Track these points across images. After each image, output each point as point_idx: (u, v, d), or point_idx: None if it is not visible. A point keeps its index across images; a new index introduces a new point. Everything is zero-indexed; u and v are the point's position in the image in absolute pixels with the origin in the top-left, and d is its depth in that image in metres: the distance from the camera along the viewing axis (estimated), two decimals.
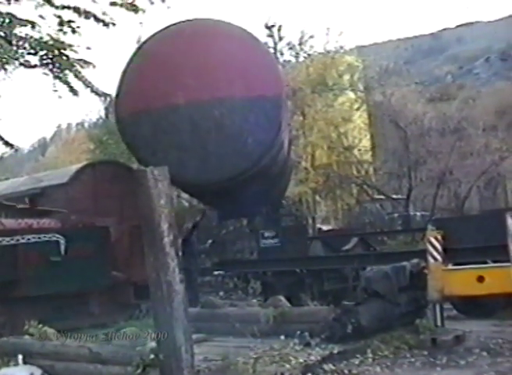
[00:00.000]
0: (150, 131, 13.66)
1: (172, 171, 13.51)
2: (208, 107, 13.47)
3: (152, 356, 8.17)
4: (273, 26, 27.32)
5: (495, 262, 11.07)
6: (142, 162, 12.84)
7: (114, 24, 12.47)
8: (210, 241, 20.78)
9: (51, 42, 12.20)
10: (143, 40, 14.70)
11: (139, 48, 14.28)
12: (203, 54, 13.72)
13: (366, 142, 31.15)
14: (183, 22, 14.33)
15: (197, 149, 13.45)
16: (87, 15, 12.22)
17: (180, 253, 7.53)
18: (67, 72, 12.41)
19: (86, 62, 12.51)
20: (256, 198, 16.95)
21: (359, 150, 29.88)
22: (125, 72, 14.32)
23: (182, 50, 13.74)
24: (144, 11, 12.43)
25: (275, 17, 42.33)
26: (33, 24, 12.03)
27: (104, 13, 12.37)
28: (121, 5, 12.33)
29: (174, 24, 14.37)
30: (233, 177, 13.91)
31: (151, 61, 13.97)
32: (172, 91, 13.53)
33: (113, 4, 12.34)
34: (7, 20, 11.66)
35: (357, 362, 9.58)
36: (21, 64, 12.09)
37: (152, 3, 12.38)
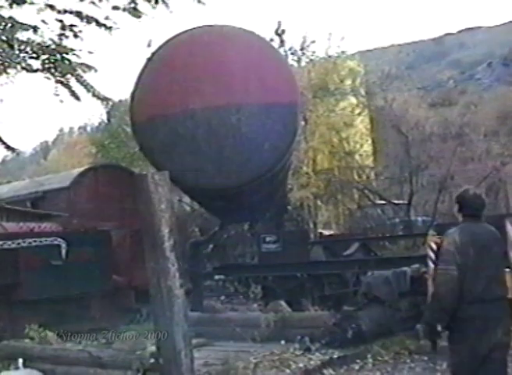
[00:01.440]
0: (166, 136, 13.70)
1: (188, 176, 13.63)
2: (225, 113, 13.51)
3: (152, 360, 8.17)
4: (283, 32, 27.24)
5: None
6: (158, 167, 12.86)
7: (116, 29, 12.49)
8: (211, 246, 20.81)
9: (53, 46, 12.22)
10: (153, 44, 14.68)
11: (155, 53, 14.29)
12: (220, 60, 13.76)
13: (367, 147, 31.13)
14: (199, 27, 14.36)
15: (213, 154, 13.50)
16: (89, 19, 12.24)
17: (187, 256, 7.59)
18: (69, 76, 12.43)
19: (88, 66, 12.52)
20: (262, 203, 16.99)
21: (360, 155, 29.86)
22: (140, 76, 14.35)
23: (199, 56, 13.78)
24: (146, 15, 12.46)
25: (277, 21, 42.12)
26: (35, 28, 12.05)
27: (106, 18, 12.40)
28: (123, 10, 12.35)
29: (190, 30, 14.39)
30: (249, 182, 13.97)
31: (168, 66, 14.00)
32: (189, 96, 13.56)
33: (115, 8, 12.35)
34: (9, 25, 11.68)
35: (357, 367, 9.60)
36: (23, 68, 12.10)
37: (154, 8, 12.39)
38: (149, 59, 14.31)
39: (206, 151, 13.50)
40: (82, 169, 18.09)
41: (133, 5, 12.29)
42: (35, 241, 13.37)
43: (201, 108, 13.46)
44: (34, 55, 12.15)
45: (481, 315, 5.50)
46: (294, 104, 14.29)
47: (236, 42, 14.32)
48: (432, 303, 5.80)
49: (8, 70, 11.98)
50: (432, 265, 11.31)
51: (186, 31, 14.43)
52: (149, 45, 14.12)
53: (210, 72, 13.62)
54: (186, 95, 13.59)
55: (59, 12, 12.28)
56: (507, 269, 6.07)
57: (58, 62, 12.27)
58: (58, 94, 12.59)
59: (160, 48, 14.38)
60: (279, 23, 27.26)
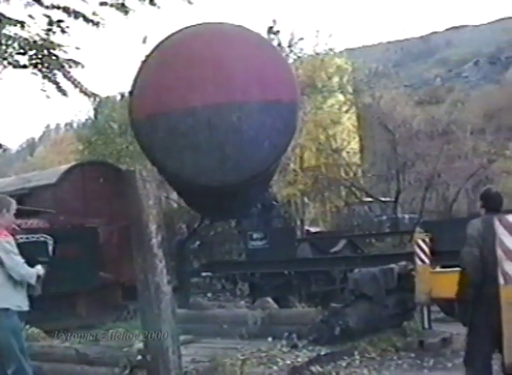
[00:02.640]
0: (166, 133, 13.64)
1: (188, 173, 13.60)
2: (226, 111, 13.49)
3: (139, 357, 8.17)
4: (278, 31, 27.19)
5: None
6: (157, 165, 12.84)
7: (104, 25, 12.43)
8: (198, 242, 20.79)
9: (40, 42, 12.16)
10: (148, 41, 14.59)
11: (154, 50, 14.21)
12: (220, 57, 13.72)
13: (355, 144, 31.17)
14: (199, 25, 14.31)
15: (213, 152, 13.48)
16: (77, 15, 12.18)
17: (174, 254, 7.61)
18: (56, 72, 12.37)
19: (75, 62, 12.46)
20: (254, 200, 17.01)
21: (347, 152, 29.88)
22: (139, 73, 14.27)
23: (199, 53, 13.72)
24: (134, 11, 12.40)
25: (266, 19, 42.15)
26: (22, 24, 11.98)
27: (94, 13, 12.33)
28: (111, 5, 12.29)
29: (189, 27, 14.34)
30: (249, 180, 13.98)
31: (168, 63, 13.93)
32: (190, 93, 13.52)
33: (103, 4, 12.30)
34: None
35: (344, 364, 9.60)
36: (10, 64, 12.04)
37: (142, 3, 12.34)
38: (148, 56, 14.23)
39: (206, 148, 13.48)
40: (68, 165, 17.98)
41: (120, 1, 12.25)
42: (21, 238, 13.30)
43: (202, 106, 13.44)
44: (21, 51, 12.08)
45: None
46: (294, 102, 14.32)
47: (236, 40, 14.30)
48: (462, 280, 6.84)
49: None
50: (419, 262, 11.43)
51: (186, 28, 14.37)
52: (144, 42, 14.06)
53: (210, 69, 13.60)
54: (187, 93, 13.56)
55: (47, 7, 12.22)
56: None
57: (45, 58, 12.20)
58: (45, 90, 12.53)
59: (159, 45, 14.31)
60: (274, 22, 27.20)
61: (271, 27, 26.76)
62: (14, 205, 7.77)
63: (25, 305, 7.60)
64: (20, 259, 7.44)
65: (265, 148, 13.58)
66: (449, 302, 12.75)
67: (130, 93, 14.53)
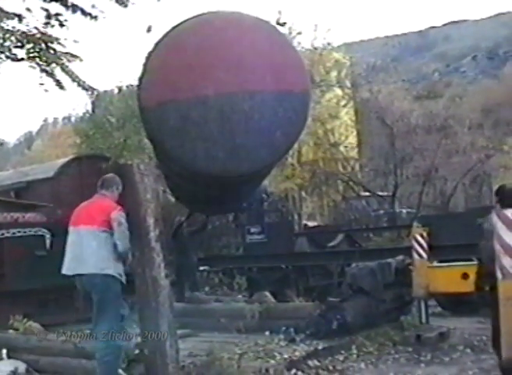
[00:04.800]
0: (177, 122, 13.48)
1: (199, 163, 13.53)
2: (238, 100, 13.35)
3: (137, 351, 8.17)
4: (285, 23, 27.05)
5: (479, 259, 11.13)
6: (167, 154, 12.74)
7: (103, 18, 12.41)
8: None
9: (38, 35, 12.13)
10: (153, 28, 14.46)
11: (164, 37, 14.09)
12: (232, 46, 13.53)
13: (352, 139, 31.18)
14: (209, 13, 14.19)
15: (225, 141, 13.39)
16: (74, 8, 12.15)
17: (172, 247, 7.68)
18: (54, 65, 12.35)
19: (73, 55, 12.44)
20: (253, 192, 16.98)
21: (345, 147, 29.89)
22: (148, 60, 14.14)
23: (211, 41, 13.55)
24: (133, 4, 12.39)
25: (265, 13, 42.05)
26: (20, 17, 11.96)
27: (93, 6, 12.30)
28: None
29: (199, 15, 14.21)
30: (261, 169, 13.95)
31: (179, 50, 13.72)
32: (202, 81, 13.33)
33: None
34: None
35: (341, 358, 9.59)
36: (7, 57, 12.02)
37: None
38: (157, 43, 14.12)
39: (218, 138, 13.39)
40: (66, 159, 17.94)
41: None
42: (19, 232, 13.30)
43: (214, 94, 13.32)
44: (19, 44, 12.06)
45: None
46: (306, 93, 14.26)
47: (249, 29, 14.15)
48: (480, 272, 7.37)
49: None
50: (417, 257, 11.44)
51: (196, 16, 14.20)
52: (149, 30, 13.91)
53: (222, 57, 13.44)
54: (198, 80, 13.42)
55: (45, 0, 12.20)
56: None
57: (43, 52, 12.19)
58: (42, 84, 12.52)
59: (169, 32, 14.16)
60: (280, 13, 27.06)
61: (284, 23, 26.55)
62: (121, 186, 8.26)
63: (123, 278, 7.76)
64: (128, 234, 7.68)
65: (277, 138, 13.52)
66: (446, 297, 12.84)
67: (139, 80, 14.40)
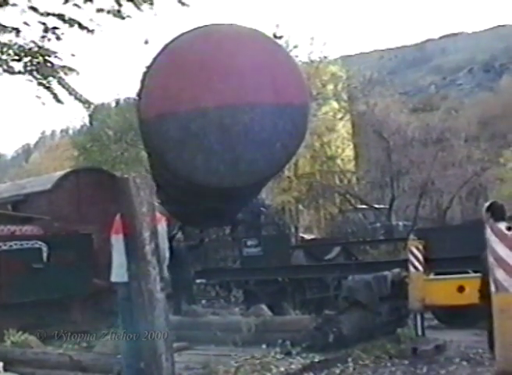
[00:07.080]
0: (177, 134, 13.49)
1: (199, 175, 13.53)
2: (238, 112, 13.37)
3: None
4: (282, 36, 27.21)
5: (475, 272, 11.13)
6: (167, 166, 12.73)
7: (100, 31, 12.44)
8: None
9: (35, 49, 12.18)
10: (150, 41, 14.47)
11: (163, 50, 14.10)
12: (232, 58, 13.57)
13: (349, 152, 31.27)
14: (209, 26, 14.20)
15: (225, 153, 13.37)
16: (71, 22, 12.19)
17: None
18: (51, 79, 12.38)
19: (70, 68, 12.47)
20: (248, 204, 16.98)
21: (342, 160, 30.00)
22: (148, 72, 14.13)
23: (210, 53, 13.58)
24: (130, 17, 12.42)
25: (261, 27, 42.17)
26: (17, 31, 12.01)
27: (90, 20, 12.33)
28: (108, 12, 12.29)
29: (199, 28, 14.22)
30: (260, 182, 13.93)
31: (178, 63, 13.76)
32: (201, 94, 13.36)
33: (100, 11, 12.30)
34: None
35: (338, 371, 9.59)
36: (5, 70, 12.06)
37: (140, 10, 12.32)
38: (157, 56, 14.12)
39: (218, 150, 13.37)
40: (64, 172, 17.97)
41: (117, 8, 12.26)
42: (16, 244, 13.31)
43: (213, 107, 13.31)
44: (16, 58, 12.10)
45: None
46: (305, 105, 14.27)
47: (248, 41, 14.18)
48: (484, 284, 7.33)
49: None
50: (413, 269, 11.45)
51: (196, 29, 14.25)
52: (146, 43, 13.87)
53: (222, 70, 13.45)
54: (198, 93, 13.42)
55: (42, 14, 12.24)
56: None
57: (40, 65, 12.23)
58: (39, 97, 12.55)
59: (168, 44, 14.18)
60: (277, 26, 27.25)
61: (280, 36, 26.76)
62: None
63: None
64: (168, 244, 7.98)
65: (277, 150, 13.52)
66: (442, 309, 12.85)
67: (139, 92, 14.39)
